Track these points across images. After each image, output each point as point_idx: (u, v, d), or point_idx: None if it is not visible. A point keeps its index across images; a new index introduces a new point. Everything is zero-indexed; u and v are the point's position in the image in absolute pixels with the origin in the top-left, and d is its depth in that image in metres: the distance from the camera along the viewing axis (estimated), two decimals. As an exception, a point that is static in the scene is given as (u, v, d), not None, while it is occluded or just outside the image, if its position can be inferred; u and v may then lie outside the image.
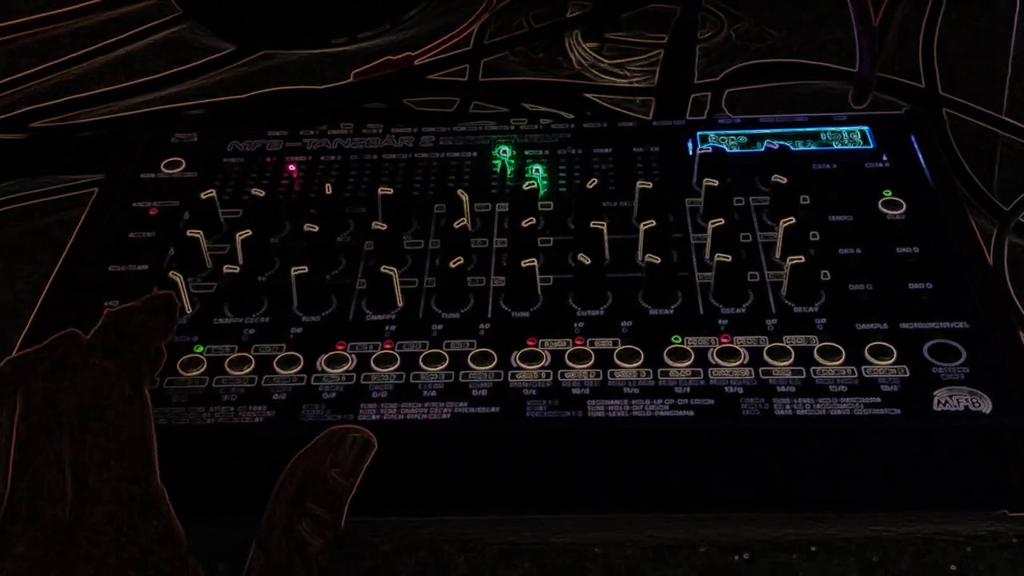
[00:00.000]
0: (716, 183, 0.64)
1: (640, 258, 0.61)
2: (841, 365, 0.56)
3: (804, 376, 0.55)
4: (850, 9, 0.77)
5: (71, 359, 0.52)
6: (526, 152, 0.70)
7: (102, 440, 0.49)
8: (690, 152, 0.69)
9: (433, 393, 0.55)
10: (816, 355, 0.56)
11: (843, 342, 0.56)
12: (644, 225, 0.62)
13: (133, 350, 0.53)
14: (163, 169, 0.70)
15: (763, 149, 0.68)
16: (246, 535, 0.60)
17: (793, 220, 0.61)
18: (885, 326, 0.57)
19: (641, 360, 0.56)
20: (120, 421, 0.50)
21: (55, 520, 0.47)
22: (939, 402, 0.54)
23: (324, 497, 0.50)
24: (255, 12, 0.92)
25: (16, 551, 0.47)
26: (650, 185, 0.64)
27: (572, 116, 0.82)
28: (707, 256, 0.61)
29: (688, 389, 0.55)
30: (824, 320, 0.58)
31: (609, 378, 0.56)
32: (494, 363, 0.57)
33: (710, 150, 0.67)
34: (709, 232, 0.61)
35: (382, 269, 0.60)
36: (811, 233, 0.63)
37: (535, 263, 0.59)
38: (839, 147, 0.69)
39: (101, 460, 0.49)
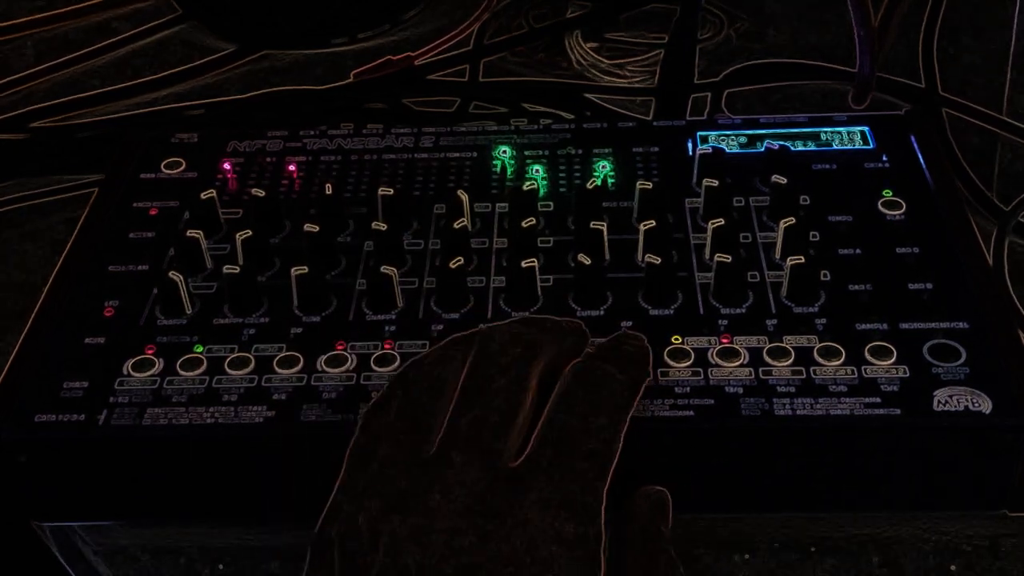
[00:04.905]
0: (716, 183, 0.64)
1: (640, 258, 0.61)
2: (841, 365, 0.56)
3: (804, 376, 0.55)
4: (850, 9, 0.77)
5: None
6: (526, 152, 0.70)
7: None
8: (690, 152, 0.69)
9: (433, 393, 0.55)
10: (816, 355, 0.56)
11: (843, 342, 0.56)
12: (644, 225, 0.62)
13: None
14: (163, 169, 0.70)
15: (763, 149, 0.68)
16: (245, 536, 0.60)
17: (793, 220, 0.61)
18: (885, 326, 0.57)
19: (641, 360, 0.56)
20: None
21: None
22: (939, 402, 0.54)
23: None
24: (255, 12, 0.92)
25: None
26: (650, 185, 0.64)
27: (572, 116, 0.82)
28: (707, 256, 0.61)
29: (688, 389, 0.55)
30: (824, 320, 0.58)
31: (609, 378, 0.55)
32: (494, 363, 0.56)
33: (710, 150, 0.67)
34: (709, 232, 0.61)
35: (382, 269, 0.60)
36: (811, 233, 0.62)
37: (535, 263, 0.59)
38: (839, 147, 0.69)
39: None
